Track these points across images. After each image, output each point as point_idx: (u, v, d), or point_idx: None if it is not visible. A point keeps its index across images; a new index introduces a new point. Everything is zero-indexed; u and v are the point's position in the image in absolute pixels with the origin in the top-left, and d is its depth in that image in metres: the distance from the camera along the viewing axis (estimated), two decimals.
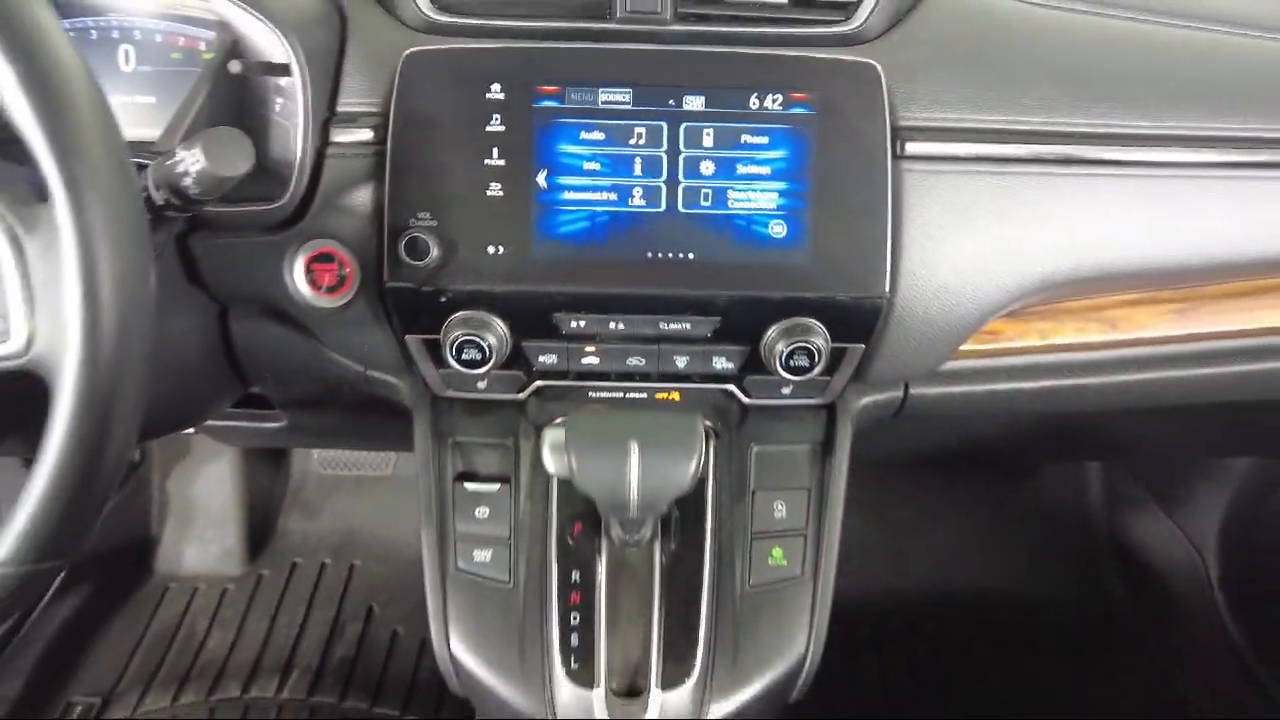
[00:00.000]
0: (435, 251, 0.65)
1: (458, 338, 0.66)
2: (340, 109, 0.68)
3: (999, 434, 1.05)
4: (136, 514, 1.53)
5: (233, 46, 0.69)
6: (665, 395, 0.75)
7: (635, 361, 0.71)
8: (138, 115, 0.82)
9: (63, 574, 0.52)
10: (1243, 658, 1.32)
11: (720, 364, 0.71)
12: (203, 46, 0.74)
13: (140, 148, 0.70)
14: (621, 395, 0.74)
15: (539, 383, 0.73)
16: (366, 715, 1.31)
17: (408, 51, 0.67)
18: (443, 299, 0.67)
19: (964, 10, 0.74)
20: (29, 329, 0.48)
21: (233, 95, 0.68)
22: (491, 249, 0.67)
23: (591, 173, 0.67)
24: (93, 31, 0.83)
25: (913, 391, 0.78)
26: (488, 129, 0.66)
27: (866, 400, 0.77)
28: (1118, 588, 1.52)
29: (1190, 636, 1.40)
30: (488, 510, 0.73)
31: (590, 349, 0.70)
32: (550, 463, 0.63)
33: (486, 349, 0.67)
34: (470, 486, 0.74)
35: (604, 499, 0.61)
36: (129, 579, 1.53)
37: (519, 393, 0.74)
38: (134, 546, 1.53)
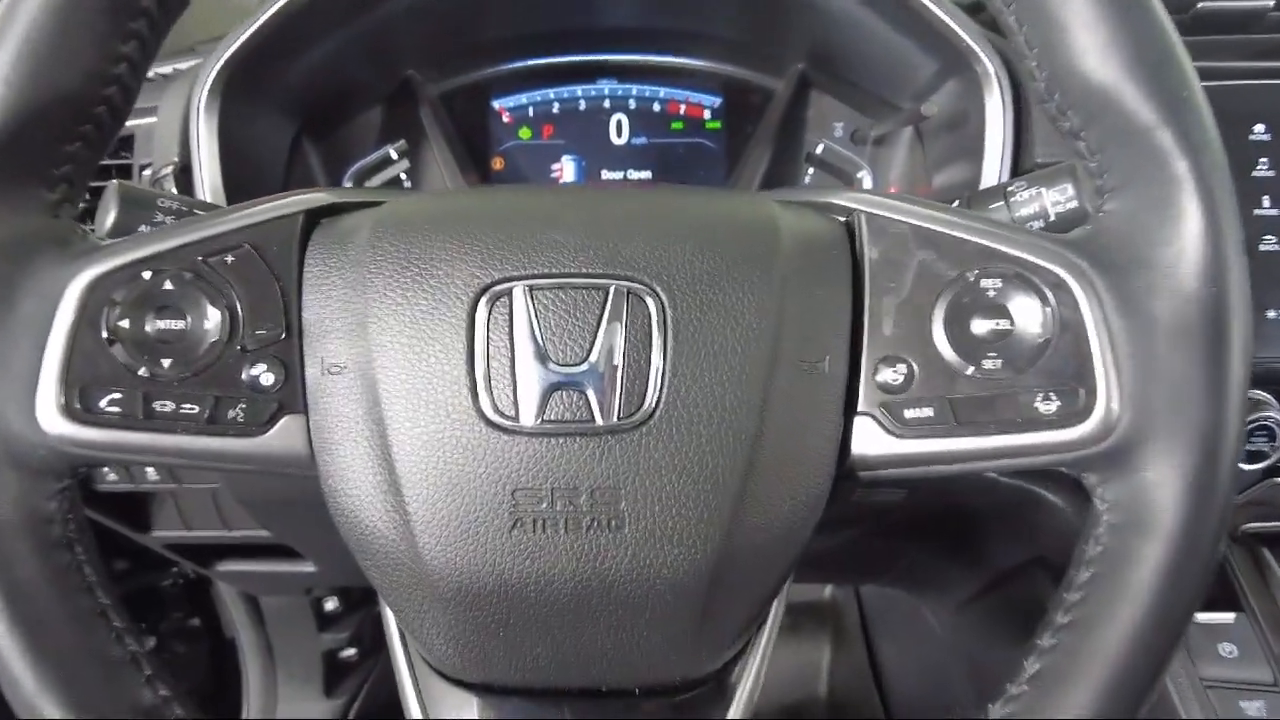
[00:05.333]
0: None
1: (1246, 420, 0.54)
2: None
3: None
4: None
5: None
6: None
7: None
8: None
9: None
10: None
11: None
12: None
13: None
14: None
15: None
16: None
17: None
18: None
19: None
20: (1107, 409, 0.35)
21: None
22: (1272, 313, 0.55)
23: None
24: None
25: None
26: (1253, 175, 0.56)
27: None
28: None
29: None
30: (1235, 649, 0.57)
31: None
32: None
33: (1276, 429, 0.54)
34: (1202, 618, 0.58)
35: None
36: None
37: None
38: None
